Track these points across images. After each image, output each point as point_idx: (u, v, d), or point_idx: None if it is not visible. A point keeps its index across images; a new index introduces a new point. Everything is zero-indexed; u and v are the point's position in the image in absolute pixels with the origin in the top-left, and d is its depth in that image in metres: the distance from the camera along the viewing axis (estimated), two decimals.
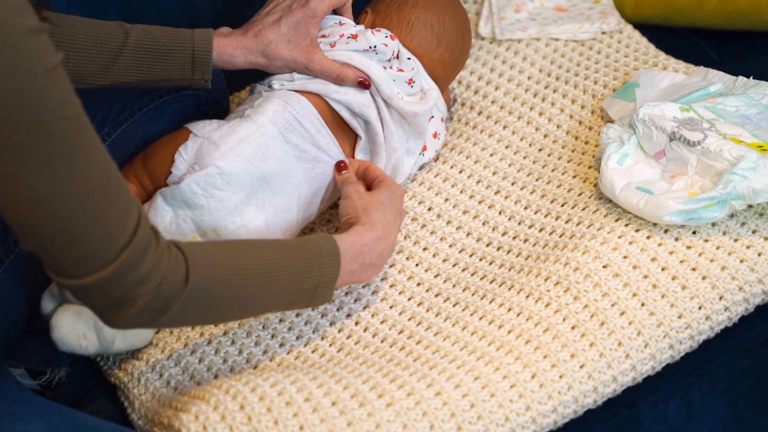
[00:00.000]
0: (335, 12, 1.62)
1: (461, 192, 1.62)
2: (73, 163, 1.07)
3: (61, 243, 1.10)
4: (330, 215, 1.62)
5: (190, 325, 1.24)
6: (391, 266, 1.54)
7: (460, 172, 1.65)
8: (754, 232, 1.45)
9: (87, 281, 1.12)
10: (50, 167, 1.06)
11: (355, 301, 1.50)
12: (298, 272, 1.30)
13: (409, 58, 1.62)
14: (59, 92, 1.06)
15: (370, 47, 1.57)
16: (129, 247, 1.12)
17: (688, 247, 1.43)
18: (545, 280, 1.43)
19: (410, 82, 1.59)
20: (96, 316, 1.19)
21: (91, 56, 1.47)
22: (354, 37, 1.58)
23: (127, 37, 1.48)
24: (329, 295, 1.35)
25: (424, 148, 1.65)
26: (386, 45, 1.58)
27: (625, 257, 1.42)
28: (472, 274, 1.51)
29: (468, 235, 1.57)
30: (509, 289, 1.45)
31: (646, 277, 1.41)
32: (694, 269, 1.41)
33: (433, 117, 1.66)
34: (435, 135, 1.66)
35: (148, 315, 1.17)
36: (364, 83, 1.55)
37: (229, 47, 1.52)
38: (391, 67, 1.58)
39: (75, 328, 1.41)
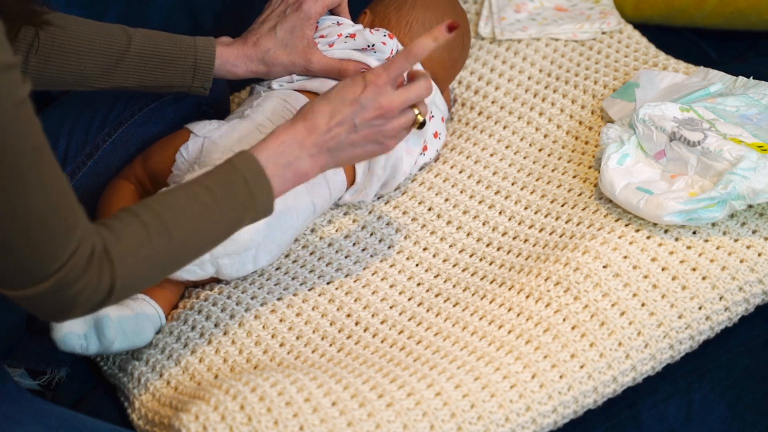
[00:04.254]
0: (332, 12, 1.63)
1: (461, 192, 1.62)
2: (24, 194, 1.12)
3: (2, 261, 1.15)
4: (331, 216, 1.62)
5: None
6: (391, 266, 1.54)
7: (460, 172, 1.65)
8: (754, 232, 1.45)
9: (24, 293, 1.17)
10: (1, 196, 1.11)
11: (355, 301, 1.50)
12: (231, 213, 1.28)
13: None
14: (22, 126, 1.09)
15: (369, 46, 1.58)
16: (60, 271, 1.16)
17: (688, 248, 1.43)
18: (545, 280, 1.43)
19: None
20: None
21: (94, 59, 1.48)
22: (352, 36, 1.58)
23: (130, 42, 1.49)
24: (271, 211, 1.32)
25: (425, 148, 1.65)
26: (384, 43, 1.58)
27: (625, 257, 1.42)
28: (472, 275, 1.51)
29: (468, 235, 1.57)
30: (509, 289, 1.45)
31: (646, 277, 1.41)
32: (694, 269, 1.41)
33: (433, 116, 1.66)
34: (436, 135, 1.66)
35: (82, 314, 1.23)
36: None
37: (231, 57, 1.53)
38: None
39: (75, 328, 1.41)
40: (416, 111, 1.38)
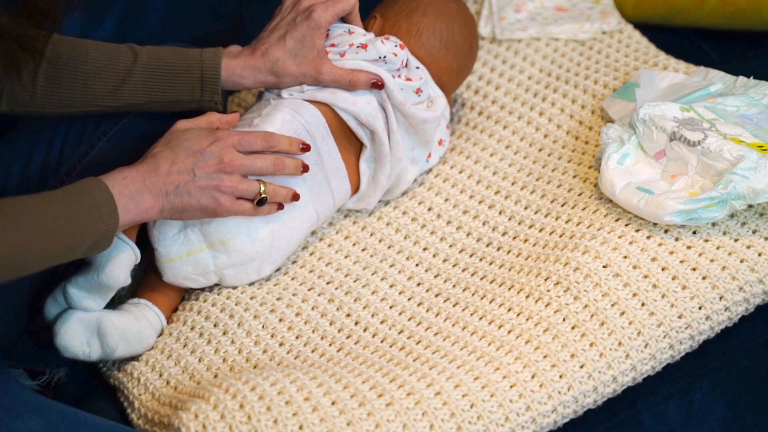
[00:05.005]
0: (343, 20, 1.61)
1: (461, 192, 1.62)
2: None
3: None
4: (331, 217, 1.61)
5: None
6: (391, 266, 1.54)
7: (460, 172, 1.65)
8: (754, 232, 1.45)
9: None
10: None
11: (355, 300, 1.50)
12: (80, 229, 1.30)
13: (417, 68, 1.61)
14: None
15: (380, 57, 1.56)
16: None
17: (689, 247, 1.43)
18: (545, 280, 1.43)
19: (418, 91, 1.59)
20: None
21: (101, 78, 1.48)
22: (363, 46, 1.56)
23: (136, 59, 1.49)
24: (109, 244, 1.35)
25: (429, 155, 1.65)
26: (396, 54, 1.57)
27: (625, 257, 1.42)
28: (472, 274, 1.51)
29: (468, 235, 1.57)
30: (509, 289, 1.45)
31: (646, 277, 1.40)
32: (694, 269, 1.41)
33: (439, 125, 1.65)
34: (440, 142, 1.66)
35: None
36: (377, 84, 1.54)
37: (238, 68, 1.52)
38: (399, 76, 1.58)
39: (78, 335, 1.41)
40: (262, 187, 1.44)
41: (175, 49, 1.51)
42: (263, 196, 1.44)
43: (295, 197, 1.48)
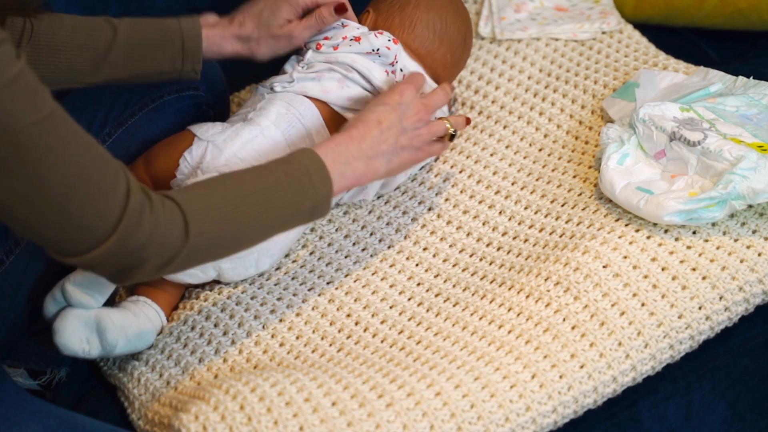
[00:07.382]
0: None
1: (461, 192, 1.62)
2: (48, 162, 1.11)
3: (54, 230, 1.15)
4: (331, 215, 1.62)
5: (194, 267, 1.34)
6: (391, 266, 1.54)
7: (461, 171, 1.65)
8: (754, 232, 1.45)
9: (90, 257, 1.17)
10: (27, 171, 1.10)
11: (355, 300, 1.50)
12: (293, 197, 1.31)
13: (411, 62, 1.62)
14: (22, 100, 1.09)
15: (373, 50, 1.57)
16: (123, 219, 1.16)
17: (688, 247, 1.43)
18: (545, 280, 1.43)
19: None
20: (106, 280, 1.25)
21: (82, 55, 1.48)
22: (357, 39, 1.58)
23: (116, 33, 1.49)
24: (327, 210, 1.36)
25: None
26: (389, 48, 1.58)
27: (625, 257, 1.42)
28: (472, 274, 1.51)
29: (468, 235, 1.57)
30: (509, 289, 1.45)
31: (646, 277, 1.41)
32: (694, 269, 1.41)
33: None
34: None
35: (154, 271, 1.22)
36: (341, 7, 1.57)
37: (217, 38, 1.54)
38: (393, 72, 1.58)
39: (78, 333, 1.41)
40: (447, 123, 1.50)
41: (153, 20, 1.52)
42: (453, 130, 1.50)
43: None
